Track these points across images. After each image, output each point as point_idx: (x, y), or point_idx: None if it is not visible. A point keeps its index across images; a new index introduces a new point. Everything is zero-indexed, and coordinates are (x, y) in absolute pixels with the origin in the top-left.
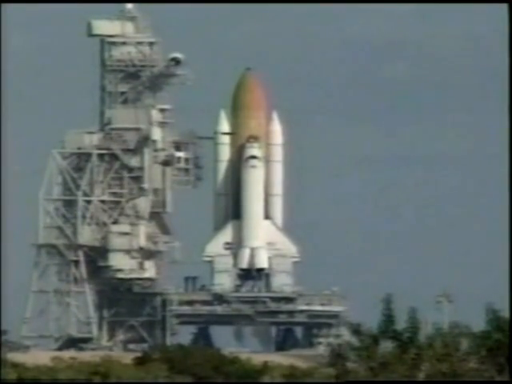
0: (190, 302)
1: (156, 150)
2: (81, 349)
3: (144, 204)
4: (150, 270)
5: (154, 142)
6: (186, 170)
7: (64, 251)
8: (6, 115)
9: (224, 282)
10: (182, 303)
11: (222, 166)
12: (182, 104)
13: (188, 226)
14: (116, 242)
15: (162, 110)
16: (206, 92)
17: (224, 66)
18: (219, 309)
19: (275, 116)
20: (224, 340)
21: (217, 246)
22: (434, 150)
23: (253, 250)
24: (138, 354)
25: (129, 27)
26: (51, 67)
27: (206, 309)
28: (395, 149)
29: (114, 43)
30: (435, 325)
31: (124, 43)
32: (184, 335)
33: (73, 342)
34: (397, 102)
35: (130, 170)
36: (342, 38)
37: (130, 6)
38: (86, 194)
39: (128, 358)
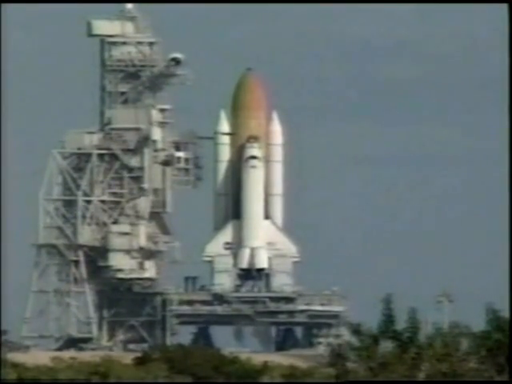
0: (190, 302)
1: (156, 150)
2: (81, 349)
3: (144, 204)
4: (150, 269)
5: (154, 141)
6: (186, 170)
7: (64, 251)
8: (6, 115)
9: (224, 282)
10: (182, 303)
11: (222, 166)
12: (182, 104)
13: (188, 226)
14: (116, 242)
15: (162, 110)
16: (206, 92)
17: (224, 66)
18: (219, 309)
19: (275, 116)
20: (224, 340)
21: (217, 246)
22: (434, 150)
23: (253, 249)
24: (138, 354)
25: (129, 27)
26: (51, 67)
27: (205, 309)
28: (395, 149)
29: (114, 43)
30: (435, 325)
31: (124, 43)
32: (184, 335)
33: (73, 342)
34: (397, 102)
35: (130, 170)
36: (342, 38)
37: (129, 5)
38: (86, 194)
39: (128, 358)
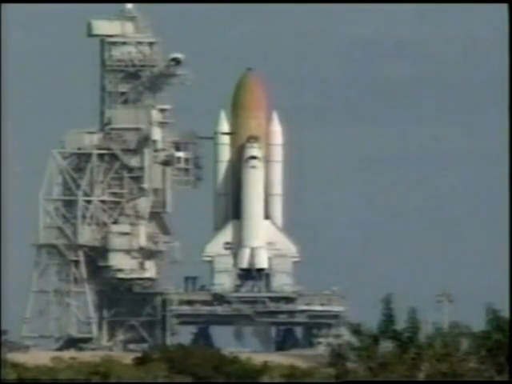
0: (190, 302)
1: (156, 150)
2: (81, 349)
3: (144, 204)
4: (150, 269)
5: (154, 142)
6: (186, 170)
7: (64, 251)
8: (6, 115)
9: (224, 281)
10: (182, 303)
11: (222, 166)
12: (182, 104)
13: (188, 226)
14: (116, 241)
15: (162, 110)
16: (206, 92)
17: (224, 66)
18: (219, 309)
19: (275, 116)
20: (224, 340)
21: (217, 245)
22: (434, 150)
23: (253, 249)
24: (138, 354)
25: (129, 27)
26: (51, 67)
27: (205, 309)
28: (395, 149)
29: (114, 43)
30: (435, 325)
31: (124, 43)
32: (184, 335)
33: (73, 342)
34: (397, 102)
35: (130, 170)
36: (342, 38)
37: (129, 5)
38: (86, 194)
39: (128, 358)
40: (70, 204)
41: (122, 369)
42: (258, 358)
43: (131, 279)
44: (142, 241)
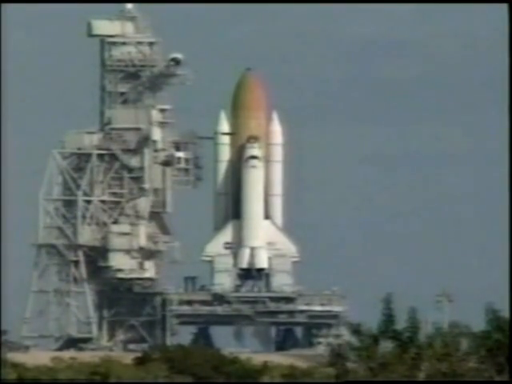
0: (189, 302)
1: (156, 150)
2: (81, 349)
3: (144, 204)
4: (150, 270)
5: (154, 142)
6: (186, 170)
7: (64, 251)
8: (6, 115)
9: (224, 281)
10: (181, 303)
11: (222, 166)
12: (182, 104)
13: (188, 226)
14: (116, 241)
15: (162, 110)
16: (206, 92)
17: (224, 66)
18: (219, 309)
19: (275, 116)
20: (224, 340)
21: (217, 245)
22: (434, 150)
23: (253, 249)
24: (138, 354)
25: (129, 27)
26: (51, 67)
27: (205, 309)
28: (395, 149)
29: (114, 43)
30: (435, 325)
31: (124, 43)
32: (184, 335)
33: (73, 342)
34: (397, 102)
35: (130, 170)
36: (341, 38)
37: (129, 5)
38: (86, 194)
39: (128, 358)
40: (70, 204)
41: (122, 369)
42: (258, 358)
43: (131, 279)
44: (142, 241)
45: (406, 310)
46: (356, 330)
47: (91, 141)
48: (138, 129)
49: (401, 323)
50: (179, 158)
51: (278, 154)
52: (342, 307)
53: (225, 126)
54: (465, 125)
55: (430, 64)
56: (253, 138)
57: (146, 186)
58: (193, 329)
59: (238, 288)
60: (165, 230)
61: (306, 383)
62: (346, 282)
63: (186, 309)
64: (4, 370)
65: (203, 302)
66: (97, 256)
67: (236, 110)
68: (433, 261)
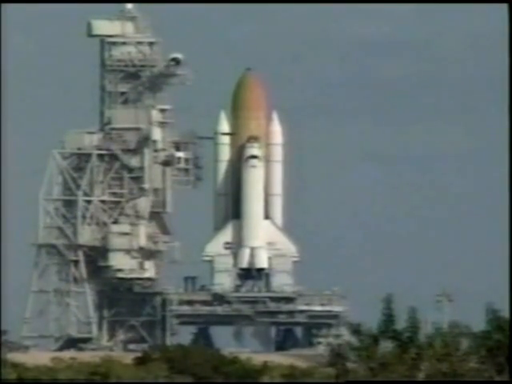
0: (189, 302)
1: (156, 150)
2: (81, 349)
3: (144, 204)
4: (150, 269)
5: (154, 142)
6: (186, 170)
7: (64, 251)
8: (6, 115)
9: (224, 281)
10: (181, 303)
11: (222, 166)
12: (182, 104)
13: (188, 226)
14: (116, 242)
15: (162, 110)
16: (206, 92)
17: (224, 66)
18: (219, 309)
19: (275, 116)
20: (224, 340)
21: (217, 245)
22: (434, 150)
23: (253, 249)
24: (138, 354)
25: (129, 27)
26: (51, 67)
27: (205, 309)
28: (395, 149)
29: (114, 43)
30: (435, 325)
31: (124, 43)
32: (184, 335)
33: (73, 342)
34: (397, 102)
35: (130, 170)
36: (341, 38)
37: (129, 6)
38: (86, 194)
39: (128, 358)
40: (70, 204)
41: (122, 369)
42: (258, 358)
43: (131, 279)
44: (142, 241)
45: (406, 309)
46: (356, 330)
47: (91, 141)
48: (137, 129)
49: (401, 323)
50: (179, 158)
51: (277, 153)
52: (342, 307)
53: (225, 125)
54: (465, 125)
55: (430, 64)
56: (253, 138)
57: (146, 186)
58: (193, 329)
59: (238, 288)
60: (165, 230)
61: (306, 383)
62: (346, 281)
63: (185, 309)
64: (4, 370)
65: (203, 302)
66: (97, 256)
67: (236, 110)
68: (433, 261)
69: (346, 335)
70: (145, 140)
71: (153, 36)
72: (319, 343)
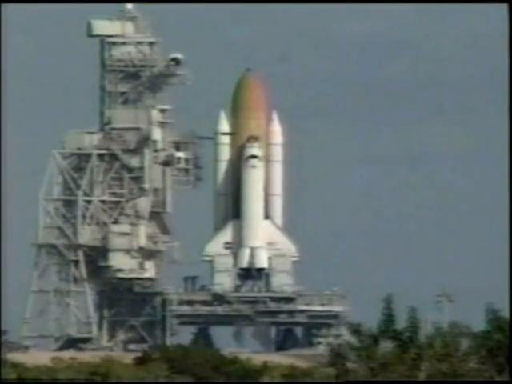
0: (189, 302)
1: (156, 150)
2: (81, 349)
3: (144, 204)
4: (150, 269)
5: (154, 142)
6: (186, 170)
7: (64, 251)
8: (6, 115)
9: (224, 281)
10: (181, 303)
11: (222, 166)
12: (182, 104)
13: (188, 226)
14: (116, 241)
15: (162, 110)
16: (206, 92)
17: (224, 66)
18: (219, 309)
19: (275, 116)
20: (224, 340)
21: (217, 245)
22: (435, 150)
23: (253, 249)
24: (138, 354)
25: (129, 27)
26: (51, 67)
27: (205, 309)
28: (395, 149)
29: (114, 43)
30: (435, 325)
31: (124, 43)
32: (184, 335)
33: (73, 342)
34: (397, 102)
35: (130, 170)
36: (341, 38)
37: (129, 6)
38: (86, 194)
39: (128, 358)
40: (70, 204)
41: (122, 369)
42: (258, 358)
43: (131, 279)
44: (142, 241)
45: (406, 309)
46: (356, 330)
47: (91, 141)
48: (137, 129)
49: (401, 323)
50: (179, 158)
51: (277, 153)
52: (342, 307)
53: (225, 125)
54: (465, 125)
55: (430, 64)
56: (253, 138)
57: (146, 186)
58: (193, 329)
59: (238, 288)
60: (165, 229)
61: (306, 383)
62: (346, 281)
63: (186, 309)
64: (4, 370)
65: (203, 302)
66: (97, 256)
67: (236, 110)
68: (433, 261)
69: (346, 335)
70: (145, 140)
71: (153, 36)
72: (319, 343)
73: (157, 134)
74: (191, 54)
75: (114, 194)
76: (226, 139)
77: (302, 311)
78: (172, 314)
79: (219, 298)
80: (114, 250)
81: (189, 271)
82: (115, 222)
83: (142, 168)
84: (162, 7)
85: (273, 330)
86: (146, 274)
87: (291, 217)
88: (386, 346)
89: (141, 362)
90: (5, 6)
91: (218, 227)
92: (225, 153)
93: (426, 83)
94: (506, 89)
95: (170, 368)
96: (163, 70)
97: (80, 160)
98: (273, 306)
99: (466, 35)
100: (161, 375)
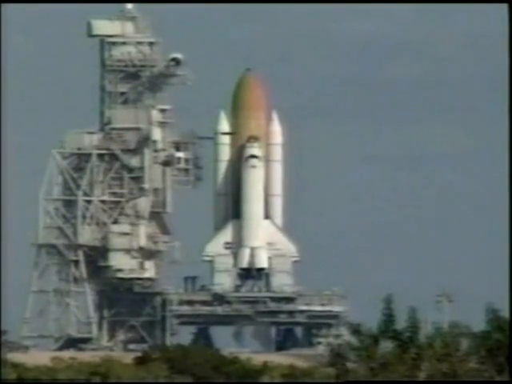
0: (189, 302)
1: (156, 151)
2: (81, 349)
3: (144, 204)
4: (150, 269)
5: (154, 142)
6: (186, 170)
7: (64, 251)
8: (6, 115)
9: (224, 281)
10: (181, 303)
11: (222, 166)
12: (182, 104)
13: (188, 226)
14: (116, 241)
15: (162, 110)
16: (206, 92)
17: (224, 66)
18: (219, 309)
19: (275, 116)
20: (224, 340)
21: (217, 245)
22: (435, 150)
23: (253, 249)
24: (138, 354)
25: (129, 27)
26: (51, 67)
27: (205, 309)
28: (395, 149)
29: (114, 43)
30: (435, 325)
31: (124, 43)
32: (184, 335)
33: (73, 342)
34: (397, 102)
35: (130, 170)
36: (341, 38)
37: (129, 6)
38: (86, 194)
39: (128, 358)
40: (70, 204)
41: (122, 369)
42: (258, 358)
43: (131, 279)
44: (142, 241)
45: (406, 309)
46: (356, 330)
47: (91, 141)
48: (138, 129)
49: (401, 323)
50: (179, 158)
51: (277, 153)
52: (342, 307)
53: (225, 125)
54: (465, 125)
55: (430, 64)
56: (253, 138)
57: (146, 185)
58: (193, 329)
59: (238, 288)
60: (165, 229)
61: (306, 383)
62: (346, 282)
63: (186, 309)
64: (4, 370)
65: (203, 302)
66: (97, 256)
67: (236, 110)
68: (433, 261)
69: (346, 335)
70: (145, 140)
71: (153, 36)
72: (319, 343)
73: (157, 134)
74: (191, 54)
75: (114, 193)
76: (226, 139)
77: (302, 311)
78: (172, 314)
79: (219, 298)
80: (113, 249)
81: (189, 271)
82: (115, 222)
83: (142, 168)
84: (162, 7)
85: (273, 330)
86: (146, 274)
87: (291, 217)
88: (386, 345)
89: (141, 361)
90: (5, 5)
91: (218, 227)
92: (225, 153)
93: (426, 83)
94: (506, 89)
95: (169, 368)
96: (163, 70)
97: (80, 160)
98: (273, 305)
99: (466, 35)
100: (161, 375)
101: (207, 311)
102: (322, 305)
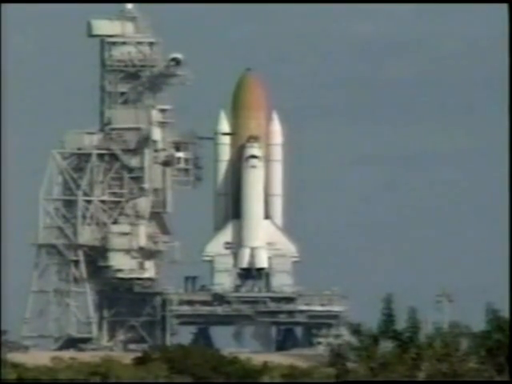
0: (189, 302)
1: (156, 151)
2: (81, 349)
3: (144, 204)
4: (150, 269)
5: (154, 142)
6: (186, 170)
7: (64, 251)
8: (6, 115)
9: (224, 281)
10: (182, 303)
11: (222, 166)
12: (182, 104)
13: (188, 226)
14: (116, 241)
15: (162, 110)
16: (206, 92)
17: (224, 66)
18: (219, 309)
19: (275, 116)
20: (224, 340)
21: (217, 245)
22: (434, 150)
23: (253, 249)
24: (138, 354)
25: (129, 27)
26: (51, 67)
27: (206, 309)
28: (395, 148)
29: (113, 43)
30: (435, 325)
31: (124, 43)
32: (184, 335)
33: (73, 342)
34: (397, 102)
35: (130, 170)
36: (342, 38)
37: (129, 6)
38: (86, 194)
39: (128, 358)
40: (70, 204)
41: (122, 369)
42: (258, 358)
43: (131, 279)
44: (142, 241)
45: (406, 309)
46: (356, 330)
47: (91, 141)
48: (137, 129)
49: (401, 323)
50: (179, 158)
51: (277, 153)
52: (342, 307)
53: (225, 125)
54: (465, 125)
55: (430, 64)
56: (253, 138)
57: (146, 185)
58: (193, 329)
59: (238, 288)
60: (165, 229)
61: (306, 383)
62: (346, 282)
63: (186, 309)
64: (4, 370)
65: (203, 302)
66: (97, 256)
67: (236, 110)
68: (433, 261)
69: (346, 335)
70: (145, 140)
71: (153, 36)
72: (319, 343)
73: (157, 134)
74: (191, 53)
75: (113, 193)
76: (226, 139)
77: (302, 311)
78: (172, 314)
79: (219, 298)
80: (113, 249)
81: (189, 271)
82: (115, 222)
83: (142, 168)
84: (162, 7)
85: (273, 330)
86: (146, 274)
87: (291, 217)
88: (386, 345)
89: (141, 362)
90: (5, 5)
91: (218, 227)
92: (225, 153)
93: (426, 83)
94: (506, 89)
95: (169, 368)
96: (163, 70)
97: (80, 160)
98: (273, 306)
99: (466, 35)
100: (161, 375)
101: (207, 311)
102: (322, 305)
